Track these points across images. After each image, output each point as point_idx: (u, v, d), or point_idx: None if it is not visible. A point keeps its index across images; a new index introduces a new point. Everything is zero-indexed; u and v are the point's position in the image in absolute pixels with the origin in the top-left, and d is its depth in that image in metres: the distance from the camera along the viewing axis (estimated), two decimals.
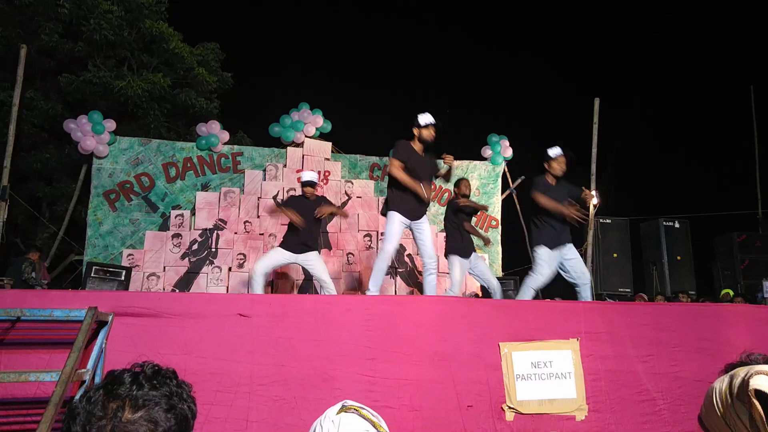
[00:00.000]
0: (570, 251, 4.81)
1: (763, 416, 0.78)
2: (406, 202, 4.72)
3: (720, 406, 0.87)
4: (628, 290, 8.70)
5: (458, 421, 3.21)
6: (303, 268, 6.01)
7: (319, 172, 8.92)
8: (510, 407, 3.30)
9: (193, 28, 13.99)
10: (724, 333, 3.73)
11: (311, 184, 5.74)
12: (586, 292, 4.72)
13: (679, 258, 8.92)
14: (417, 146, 4.79)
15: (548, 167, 4.91)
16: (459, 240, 5.75)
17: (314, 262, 5.69)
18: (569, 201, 4.88)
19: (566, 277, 4.85)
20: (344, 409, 1.16)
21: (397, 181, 4.69)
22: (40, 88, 11.63)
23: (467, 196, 6.01)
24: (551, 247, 4.76)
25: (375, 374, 3.23)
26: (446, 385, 3.29)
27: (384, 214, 4.88)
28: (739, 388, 0.83)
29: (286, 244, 5.66)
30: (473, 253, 5.86)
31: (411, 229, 4.87)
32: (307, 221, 5.65)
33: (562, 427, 3.32)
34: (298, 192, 8.65)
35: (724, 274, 9.31)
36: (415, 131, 4.79)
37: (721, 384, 0.89)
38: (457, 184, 6.09)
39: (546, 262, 4.73)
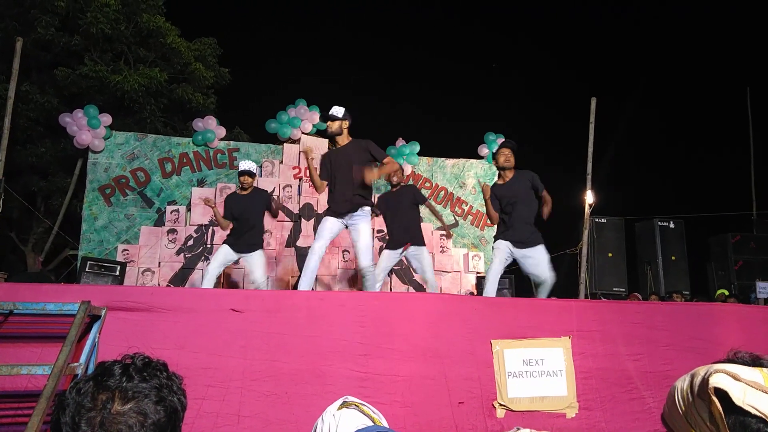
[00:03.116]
0: (533, 252, 4.76)
1: (722, 413, 0.81)
2: (331, 201, 4.76)
3: (682, 404, 0.90)
4: (623, 290, 8.73)
5: (449, 417, 3.23)
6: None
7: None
8: (501, 404, 3.32)
9: (190, 23, 13.96)
10: (715, 332, 3.75)
11: (247, 173, 5.63)
12: (542, 293, 4.78)
13: (673, 258, 8.96)
14: (341, 141, 4.81)
15: (495, 164, 5.03)
16: (389, 231, 5.78)
17: (254, 260, 5.55)
18: (526, 194, 4.87)
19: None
20: (345, 404, 1.20)
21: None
22: (36, 81, 11.57)
23: (396, 185, 5.85)
24: (505, 240, 4.82)
25: (367, 370, 3.25)
26: (438, 381, 3.30)
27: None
28: (700, 387, 0.86)
29: (229, 242, 5.56)
30: (415, 246, 5.63)
31: (348, 230, 4.81)
32: (244, 218, 5.56)
33: (552, 424, 3.34)
34: (294, 188, 8.68)
35: (718, 274, 9.36)
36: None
37: (682, 383, 0.92)
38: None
39: (495, 255, 4.83)
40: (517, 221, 4.79)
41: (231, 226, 5.65)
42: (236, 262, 5.98)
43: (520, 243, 4.74)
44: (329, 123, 4.77)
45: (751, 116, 10.58)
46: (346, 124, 4.75)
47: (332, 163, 4.78)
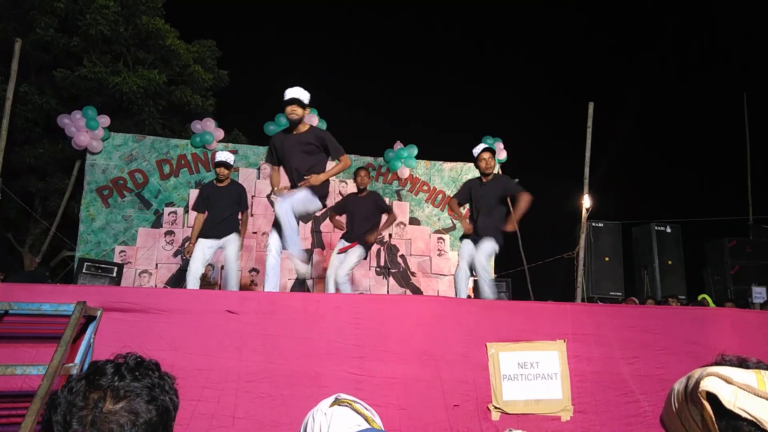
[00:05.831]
0: (481, 244, 5.00)
1: (713, 417, 0.81)
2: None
3: (676, 405, 0.90)
4: (619, 294, 8.74)
5: (444, 420, 3.23)
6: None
7: None
8: (496, 407, 3.32)
9: (189, 25, 13.99)
10: (711, 336, 3.76)
11: (223, 165, 5.43)
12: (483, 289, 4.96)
13: (670, 263, 8.98)
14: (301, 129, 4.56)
15: (476, 167, 5.24)
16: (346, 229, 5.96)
17: (229, 240, 5.41)
18: (500, 198, 5.19)
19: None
20: (337, 402, 1.15)
21: None
22: (35, 82, 11.58)
23: (362, 190, 5.95)
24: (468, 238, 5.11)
25: (362, 372, 3.25)
26: (433, 384, 3.31)
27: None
28: (692, 390, 0.86)
29: (203, 234, 5.38)
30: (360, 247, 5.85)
31: None
32: (219, 208, 5.43)
33: (547, 427, 3.34)
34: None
35: (715, 279, 9.37)
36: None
37: (679, 385, 0.92)
38: (354, 175, 6.10)
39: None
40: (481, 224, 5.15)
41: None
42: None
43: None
44: (295, 108, 4.32)
45: (747, 121, 10.62)
46: (308, 112, 4.48)
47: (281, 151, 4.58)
